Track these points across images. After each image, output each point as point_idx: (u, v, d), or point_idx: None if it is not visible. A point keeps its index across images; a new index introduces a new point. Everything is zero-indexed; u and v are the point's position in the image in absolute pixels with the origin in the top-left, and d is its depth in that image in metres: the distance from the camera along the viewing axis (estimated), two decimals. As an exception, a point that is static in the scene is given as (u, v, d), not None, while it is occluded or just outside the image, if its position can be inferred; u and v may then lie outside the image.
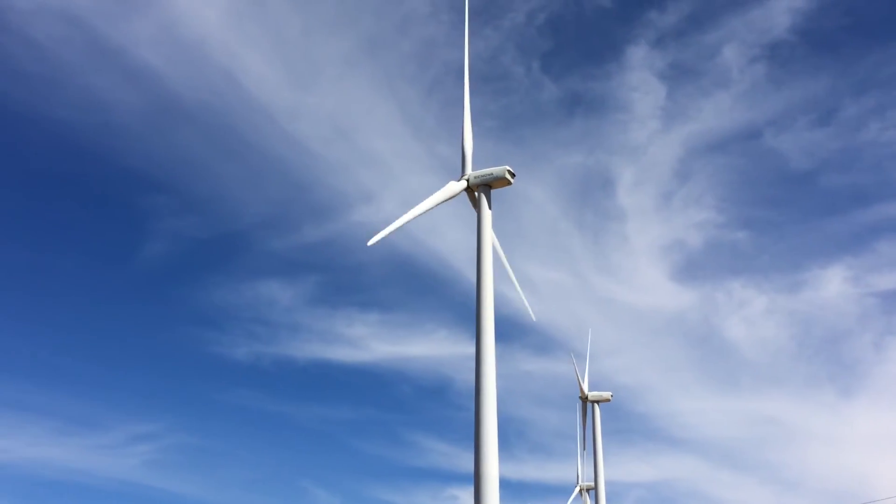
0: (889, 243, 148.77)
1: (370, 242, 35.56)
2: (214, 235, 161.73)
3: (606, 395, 75.62)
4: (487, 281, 35.55)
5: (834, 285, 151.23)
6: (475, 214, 37.47)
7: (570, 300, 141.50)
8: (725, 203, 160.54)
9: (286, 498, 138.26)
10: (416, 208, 37.27)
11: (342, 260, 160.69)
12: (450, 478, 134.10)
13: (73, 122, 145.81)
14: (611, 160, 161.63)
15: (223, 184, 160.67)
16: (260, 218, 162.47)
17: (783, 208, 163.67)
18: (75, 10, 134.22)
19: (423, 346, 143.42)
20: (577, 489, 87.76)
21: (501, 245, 40.55)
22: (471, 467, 32.61)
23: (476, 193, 37.87)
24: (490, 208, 37.34)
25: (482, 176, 37.71)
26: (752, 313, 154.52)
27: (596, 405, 74.99)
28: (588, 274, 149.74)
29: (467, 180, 37.99)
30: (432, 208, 37.40)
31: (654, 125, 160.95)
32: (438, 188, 37.82)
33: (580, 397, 75.71)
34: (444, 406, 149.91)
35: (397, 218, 36.82)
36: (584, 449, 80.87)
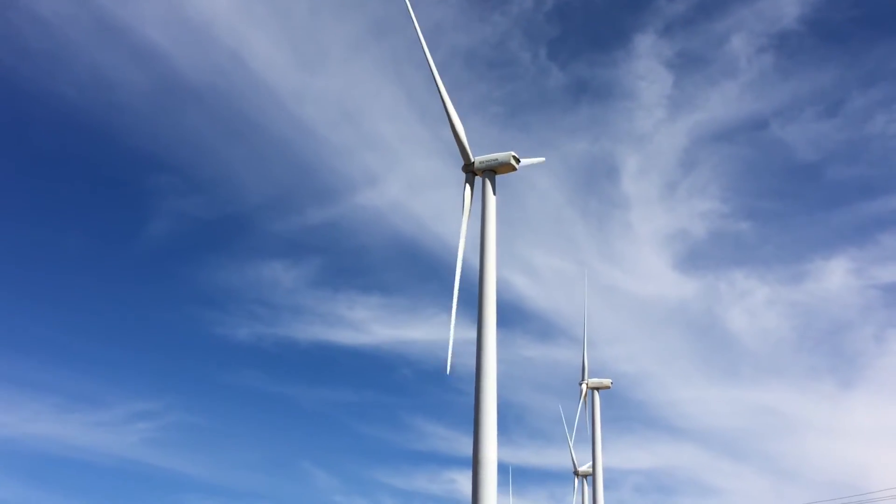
0: (893, 236, 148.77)
1: (448, 370, 34.05)
2: (218, 216, 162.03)
3: (606, 381, 75.84)
4: (490, 266, 35.47)
5: (837, 277, 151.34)
6: (478, 200, 36.86)
7: (573, 287, 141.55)
8: (730, 193, 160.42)
9: (286, 478, 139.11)
10: (461, 233, 36.54)
11: (345, 243, 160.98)
12: (449, 461, 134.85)
13: (79, 100, 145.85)
14: (616, 148, 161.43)
15: (228, 165, 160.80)
16: (264, 199, 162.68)
17: (788, 199, 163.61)
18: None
19: (425, 330, 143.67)
20: (575, 477, 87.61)
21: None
22: (469, 452, 32.74)
23: (482, 179, 37.13)
24: (494, 194, 37.09)
25: (487, 161, 37.48)
26: (754, 304, 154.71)
27: (595, 392, 75.24)
28: (592, 262, 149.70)
29: (471, 165, 37.28)
30: (469, 217, 36.80)
31: (661, 114, 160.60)
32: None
33: (580, 383, 75.88)
34: (445, 390, 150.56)
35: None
36: (574, 434, 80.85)
